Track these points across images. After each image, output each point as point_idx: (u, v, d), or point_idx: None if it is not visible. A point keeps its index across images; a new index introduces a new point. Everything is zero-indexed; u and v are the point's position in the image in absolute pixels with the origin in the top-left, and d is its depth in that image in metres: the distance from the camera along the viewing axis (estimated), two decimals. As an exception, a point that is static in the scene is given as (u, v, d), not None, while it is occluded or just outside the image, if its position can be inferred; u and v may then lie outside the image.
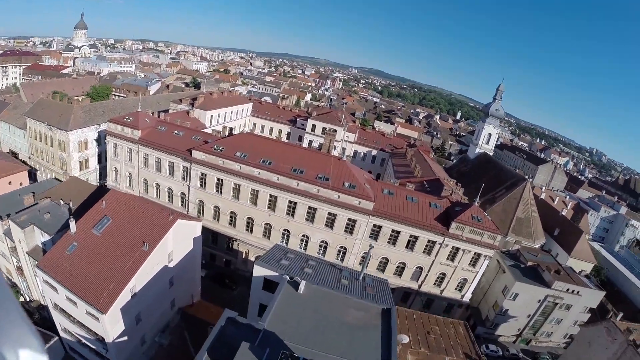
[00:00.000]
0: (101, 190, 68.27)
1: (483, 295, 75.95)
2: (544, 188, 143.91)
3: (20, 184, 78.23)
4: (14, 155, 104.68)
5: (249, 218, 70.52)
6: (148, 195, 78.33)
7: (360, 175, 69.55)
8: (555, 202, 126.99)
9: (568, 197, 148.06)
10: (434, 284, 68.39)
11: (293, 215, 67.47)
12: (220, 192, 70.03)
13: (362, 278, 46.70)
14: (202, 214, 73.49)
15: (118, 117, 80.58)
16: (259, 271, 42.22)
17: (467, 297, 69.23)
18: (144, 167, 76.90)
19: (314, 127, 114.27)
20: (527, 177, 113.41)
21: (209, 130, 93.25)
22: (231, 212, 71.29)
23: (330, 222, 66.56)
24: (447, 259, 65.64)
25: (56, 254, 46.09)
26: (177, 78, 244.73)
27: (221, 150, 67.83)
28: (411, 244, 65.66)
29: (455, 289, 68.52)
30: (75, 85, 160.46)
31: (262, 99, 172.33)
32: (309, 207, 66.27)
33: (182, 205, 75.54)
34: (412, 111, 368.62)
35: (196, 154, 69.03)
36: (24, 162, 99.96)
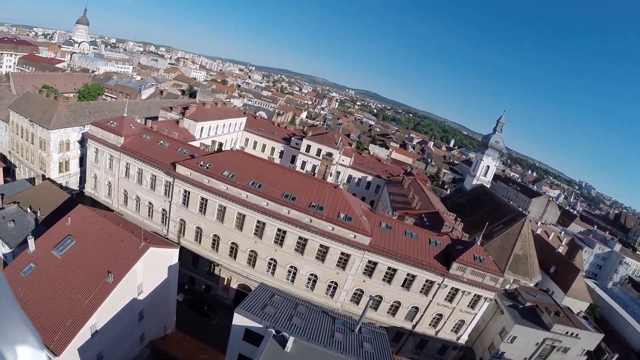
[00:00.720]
0: (73, 201, 62.33)
1: (478, 336, 70.68)
2: (539, 223, 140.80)
3: (-6, 181, 71.78)
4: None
5: (233, 243, 64.40)
6: (127, 207, 72.39)
7: (357, 206, 64.02)
8: (550, 238, 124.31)
9: (563, 232, 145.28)
10: (430, 324, 63.84)
11: (281, 245, 61.55)
12: (204, 212, 63.88)
13: (359, 330, 41.06)
14: (183, 233, 67.39)
15: (102, 120, 74.63)
16: (239, 320, 36.38)
17: (464, 339, 65.01)
18: (124, 177, 70.75)
19: (308, 147, 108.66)
20: (526, 212, 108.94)
21: (197, 143, 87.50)
22: (214, 235, 65.14)
23: (322, 254, 60.87)
24: (446, 299, 61.25)
25: (11, 274, 39.60)
26: (174, 84, 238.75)
27: (208, 168, 61.88)
28: (408, 282, 60.80)
29: (452, 330, 64.24)
30: (68, 81, 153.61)
31: (257, 114, 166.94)
32: (300, 238, 60.44)
33: (162, 222, 69.43)
34: (406, 136, 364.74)
35: (180, 169, 63.03)
36: (3, 156, 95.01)
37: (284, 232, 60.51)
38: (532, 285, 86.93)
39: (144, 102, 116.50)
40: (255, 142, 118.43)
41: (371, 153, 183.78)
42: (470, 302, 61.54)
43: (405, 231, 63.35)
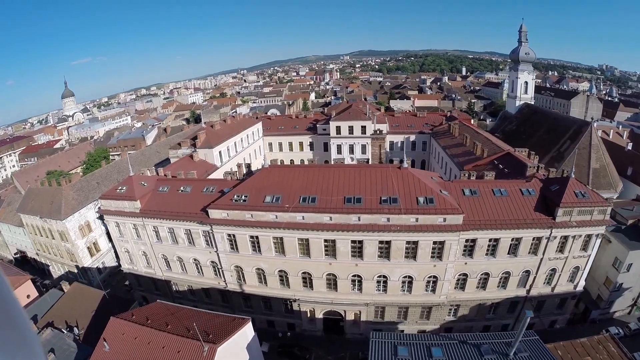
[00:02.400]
0: (108, 301, 52.28)
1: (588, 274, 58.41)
2: (595, 124, 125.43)
3: (28, 296, 63.51)
4: (22, 255, 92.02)
5: (304, 273, 52.91)
6: (172, 272, 61.60)
7: (432, 183, 51.20)
8: (611, 136, 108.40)
9: (620, 126, 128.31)
10: (544, 283, 53.79)
11: (361, 257, 49.76)
12: (259, 251, 52.31)
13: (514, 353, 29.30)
14: (244, 280, 56.32)
15: (110, 190, 63.68)
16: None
17: (581, 286, 55.19)
18: (157, 242, 59.72)
19: (338, 129, 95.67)
20: (591, 119, 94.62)
21: (221, 172, 76.08)
22: (280, 272, 53.80)
23: (412, 252, 49.20)
24: (557, 251, 50.84)
25: None
26: (176, 116, 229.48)
27: (244, 201, 50.11)
28: (514, 248, 50.18)
29: (568, 281, 54.13)
30: (70, 157, 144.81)
31: (269, 113, 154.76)
32: (381, 242, 48.50)
33: (215, 274, 58.49)
34: (417, 79, 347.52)
35: (214, 213, 51.41)
36: (34, 259, 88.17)
37: (360, 242, 48.59)
38: (616, 196, 75.43)
39: (151, 148, 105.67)
40: (280, 144, 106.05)
41: (395, 109, 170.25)
42: (582, 245, 51.16)
43: (492, 190, 51.26)
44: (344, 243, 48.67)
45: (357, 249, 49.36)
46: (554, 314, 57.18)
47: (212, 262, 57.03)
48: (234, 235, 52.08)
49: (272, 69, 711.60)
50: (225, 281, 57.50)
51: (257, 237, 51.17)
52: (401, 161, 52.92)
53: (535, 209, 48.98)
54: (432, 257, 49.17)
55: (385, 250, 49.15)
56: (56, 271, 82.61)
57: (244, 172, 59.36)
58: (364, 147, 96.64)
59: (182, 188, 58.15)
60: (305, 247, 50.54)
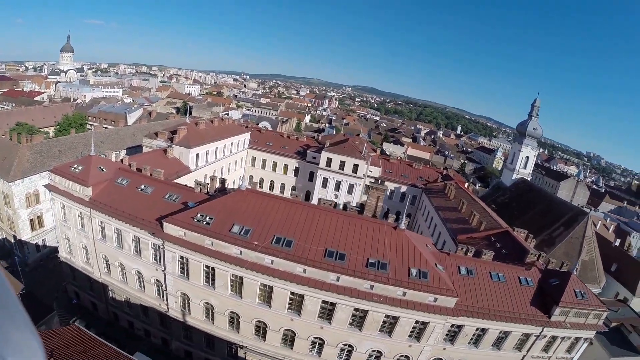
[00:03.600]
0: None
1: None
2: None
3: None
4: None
5: (259, 322, 44.15)
6: (111, 277, 52.31)
7: (428, 253, 43.68)
8: (598, 227, 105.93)
9: (608, 219, 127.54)
10: None
11: (330, 320, 41.48)
12: (212, 284, 43.48)
13: None
14: (189, 310, 47.23)
15: (64, 165, 54.40)
16: None
17: None
18: (100, 240, 50.60)
19: (329, 161, 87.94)
20: (588, 210, 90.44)
21: (192, 177, 67.48)
22: (231, 313, 44.92)
23: (389, 327, 41.39)
24: (541, 350, 45.43)
25: None
26: (167, 103, 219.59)
27: (207, 224, 41.46)
28: (499, 341, 43.97)
29: None
30: (47, 114, 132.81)
31: (261, 125, 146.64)
32: (356, 309, 40.33)
33: (158, 294, 49.40)
34: (412, 127, 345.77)
35: (170, 228, 42.67)
36: None
37: (333, 305, 40.36)
38: (599, 291, 71.70)
39: (128, 129, 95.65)
40: (264, 161, 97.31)
41: (387, 153, 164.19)
42: (568, 347, 46.29)
43: (490, 273, 44.74)
44: (314, 302, 40.33)
45: (327, 312, 41.08)
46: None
47: (157, 280, 48.03)
48: (187, 260, 43.25)
49: (274, 81, 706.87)
50: (167, 305, 48.32)
51: (213, 270, 42.44)
52: (397, 219, 45.51)
53: (532, 302, 43.53)
54: (409, 336, 41.59)
55: (359, 320, 40.99)
56: (-3, 235, 72.43)
57: (217, 186, 50.95)
58: (351, 187, 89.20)
59: (142, 186, 49.33)
60: (266, 295, 41.85)
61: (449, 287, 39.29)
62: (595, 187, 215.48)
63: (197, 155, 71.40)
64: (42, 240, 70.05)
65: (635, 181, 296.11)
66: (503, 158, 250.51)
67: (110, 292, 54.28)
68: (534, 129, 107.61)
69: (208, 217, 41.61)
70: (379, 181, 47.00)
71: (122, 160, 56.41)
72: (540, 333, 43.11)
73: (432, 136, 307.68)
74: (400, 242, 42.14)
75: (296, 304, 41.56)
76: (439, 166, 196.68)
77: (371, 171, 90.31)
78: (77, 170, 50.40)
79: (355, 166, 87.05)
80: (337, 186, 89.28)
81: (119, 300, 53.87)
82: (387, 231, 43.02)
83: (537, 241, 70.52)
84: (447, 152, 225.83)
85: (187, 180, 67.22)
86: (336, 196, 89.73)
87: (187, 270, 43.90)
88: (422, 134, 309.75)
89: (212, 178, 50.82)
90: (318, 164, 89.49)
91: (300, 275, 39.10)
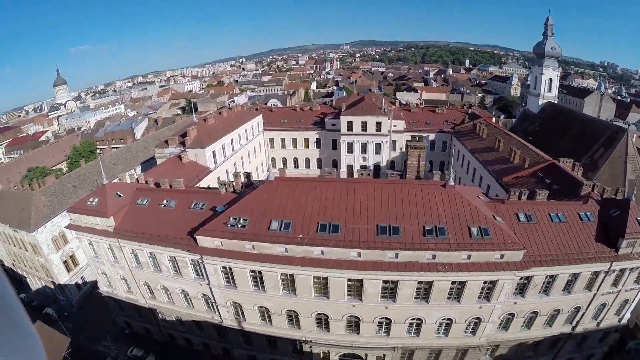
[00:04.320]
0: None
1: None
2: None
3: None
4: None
5: (320, 314, 41.03)
6: (157, 300, 49.94)
7: (483, 206, 39.41)
8: (634, 139, 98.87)
9: (634, 127, 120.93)
10: (591, 318, 45.69)
11: (394, 299, 38.00)
12: (263, 288, 40.25)
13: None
14: (243, 317, 44.44)
15: (78, 202, 51.26)
16: None
17: (626, 319, 48.23)
18: (137, 267, 47.81)
19: (350, 124, 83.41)
20: (626, 124, 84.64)
21: (214, 177, 64.05)
22: (288, 312, 41.93)
23: (457, 293, 38.02)
24: (612, 285, 42.38)
25: None
26: (171, 105, 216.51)
27: (243, 226, 37.82)
28: (569, 284, 40.98)
29: (614, 314, 46.44)
30: (56, 151, 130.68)
31: (270, 104, 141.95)
32: (420, 283, 36.71)
33: (208, 308, 46.67)
34: (420, 71, 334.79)
35: (204, 241, 39.32)
36: (11, 269, 74.83)
37: (395, 282, 36.77)
38: None
39: (138, 144, 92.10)
40: (283, 140, 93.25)
41: (403, 102, 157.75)
42: (637, 277, 43.03)
43: (549, 214, 40.70)
44: (374, 284, 36.83)
45: (390, 290, 37.56)
46: (593, 347, 49.78)
47: (204, 295, 45.14)
48: (230, 269, 39.99)
49: (271, 57, 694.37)
50: (220, 316, 45.66)
51: (260, 273, 39.11)
52: (442, 175, 41.21)
53: (597, 238, 39.87)
54: (479, 298, 38.18)
55: (424, 292, 37.51)
56: (33, 284, 71.47)
57: (243, 182, 47.24)
58: (378, 146, 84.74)
59: (165, 202, 45.87)
60: (322, 287, 38.49)
61: (514, 239, 35.60)
62: (620, 98, 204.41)
63: (214, 152, 67.77)
64: (81, 278, 68.04)
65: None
66: (519, 83, 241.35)
67: (159, 315, 51.99)
68: (552, 48, 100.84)
69: (242, 219, 38.00)
70: (417, 137, 42.19)
71: (137, 179, 52.98)
72: (609, 269, 39.92)
73: (442, 75, 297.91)
74: (453, 200, 38.06)
75: (355, 289, 38.16)
76: (457, 105, 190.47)
77: (395, 125, 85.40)
78: (94, 204, 47.21)
79: (378, 124, 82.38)
80: (364, 148, 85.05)
81: (170, 320, 51.45)
82: (437, 191, 38.91)
83: (579, 167, 67.09)
84: (462, 89, 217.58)
85: (209, 181, 63.84)
86: (364, 159, 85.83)
87: (233, 278, 40.72)
88: (432, 75, 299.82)
89: (236, 175, 46.76)
90: (339, 130, 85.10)
91: (356, 260, 35.46)
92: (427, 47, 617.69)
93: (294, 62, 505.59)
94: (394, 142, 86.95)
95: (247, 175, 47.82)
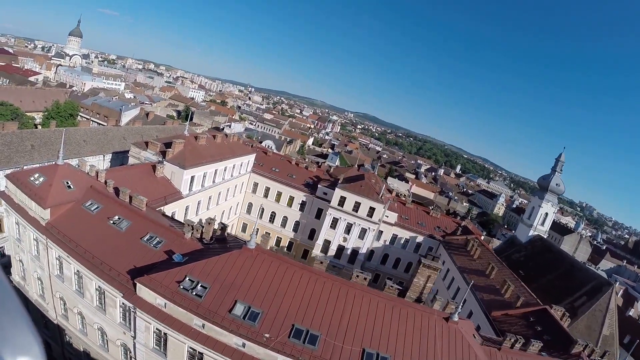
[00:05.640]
0: None
1: None
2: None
3: None
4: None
5: None
6: (68, 322, 39.99)
7: (480, 350, 32.27)
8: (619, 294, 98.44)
9: (617, 282, 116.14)
10: None
11: None
12: (198, 372, 31.00)
13: None
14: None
15: (21, 172, 42.31)
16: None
17: None
18: (58, 276, 38.31)
19: (343, 200, 75.75)
20: (612, 280, 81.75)
21: (181, 206, 55.71)
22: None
23: None
24: None
25: None
26: (169, 104, 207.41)
27: (199, 296, 28.92)
28: None
29: None
30: (38, 97, 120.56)
31: (264, 144, 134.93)
32: None
33: (124, 359, 36.73)
34: (413, 162, 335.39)
35: (145, 293, 30.24)
36: None
37: None
38: None
39: (118, 130, 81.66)
40: (268, 189, 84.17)
41: (391, 189, 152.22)
42: None
43: None
44: None
45: None
46: None
47: (124, 345, 35.50)
48: (165, 335, 30.79)
49: (278, 97, 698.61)
50: (132, 380, 35.98)
51: (201, 355, 29.81)
52: (444, 303, 34.01)
53: None
54: None
55: None
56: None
57: (214, 233, 38.64)
58: (363, 231, 77.19)
59: (116, 218, 36.93)
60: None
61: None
62: (596, 243, 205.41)
63: (192, 177, 58.56)
64: (1, 247, 57.07)
65: (633, 237, 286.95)
66: (505, 204, 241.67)
67: (67, 337, 41.80)
68: (556, 184, 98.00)
69: (200, 285, 29.22)
70: (432, 257, 35.41)
71: (97, 173, 43.58)
72: None
73: (433, 173, 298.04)
74: (453, 339, 31.15)
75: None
76: (442, 207, 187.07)
77: (387, 216, 78.60)
78: (37, 183, 38.25)
79: (372, 209, 75.24)
80: (348, 229, 77.33)
81: (77, 349, 41.16)
82: (438, 324, 31.89)
83: (558, 309, 64.47)
84: (450, 193, 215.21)
85: (176, 207, 54.99)
86: (345, 239, 78.02)
87: (165, 346, 31.32)
88: (423, 169, 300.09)
89: (209, 221, 38.16)
90: (329, 202, 77.29)
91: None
92: (425, 141, 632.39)
93: (298, 111, 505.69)
94: (380, 232, 79.76)
95: (223, 227, 39.19)
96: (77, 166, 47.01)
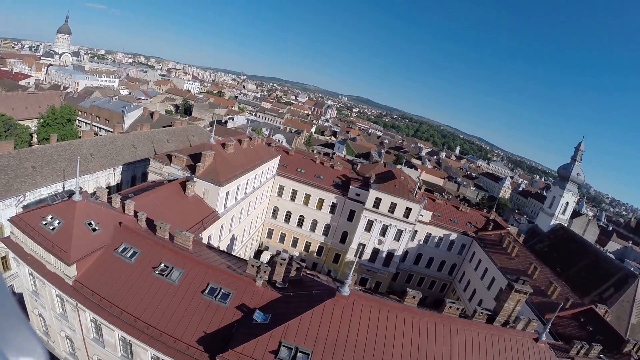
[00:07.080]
0: None
1: None
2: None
3: None
4: None
5: None
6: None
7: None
8: None
9: (632, 268, 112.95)
10: None
11: None
12: None
13: None
14: None
15: (28, 213, 33.80)
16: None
17: None
18: (94, 339, 31.46)
19: (378, 201, 68.98)
20: (636, 272, 78.88)
21: (217, 226, 48.93)
22: None
23: None
24: None
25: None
26: (166, 98, 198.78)
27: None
28: None
29: None
30: (31, 103, 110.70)
31: (275, 138, 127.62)
32: None
33: None
34: (413, 145, 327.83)
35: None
36: None
37: None
38: None
39: (126, 138, 72.28)
40: (295, 192, 76.91)
41: (420, 186, 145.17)
42: None
43: None
44: None
45: None
46: None
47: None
48: None
49: (271, 84, 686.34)
50: None
51: None
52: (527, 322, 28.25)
53: None
54: None
55: None
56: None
57: (287, 272, 31.50)
58: (399, 233, 70.78)
59: (162, 267, 29.82)
60: None
61: None
62: (600, 224, 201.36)
63: (227, 193, 51.40)
64: (9, 286, 49.50)
65: (631, 215, 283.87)
66: (510, 188, 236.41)
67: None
68: (577, 174, 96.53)
69: (301, 352, 22.59)
70: (523, 281, 29.89)
71: (123, 207, 36.26)
72: None
73: (435, 157, 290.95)
74: (543, 357, 29.54)
75: None
76: (452, 193, 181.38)
77: (422, 215, 71.96)
78: (52, 229, 30.78)
79: (408, 210, 68.73)
80: (384, 231, 70.88)
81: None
82: (528, 346, 30.10)
83: (587, 301, 63.83)
84: (458, 179, 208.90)
85: (212, 230, 47.94)
86: (380, 242, 71.70)
87: None
88: (424, 153, 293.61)
89: (284, 258, 30.86)
90: (362, 203, 70.67)
91: None
92: (421, 122, 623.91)
93: (293, 97, 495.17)
94: (415, 232, 73.36)
95: (298, 267, 32.16)
96: (95, 197, 38.78)
